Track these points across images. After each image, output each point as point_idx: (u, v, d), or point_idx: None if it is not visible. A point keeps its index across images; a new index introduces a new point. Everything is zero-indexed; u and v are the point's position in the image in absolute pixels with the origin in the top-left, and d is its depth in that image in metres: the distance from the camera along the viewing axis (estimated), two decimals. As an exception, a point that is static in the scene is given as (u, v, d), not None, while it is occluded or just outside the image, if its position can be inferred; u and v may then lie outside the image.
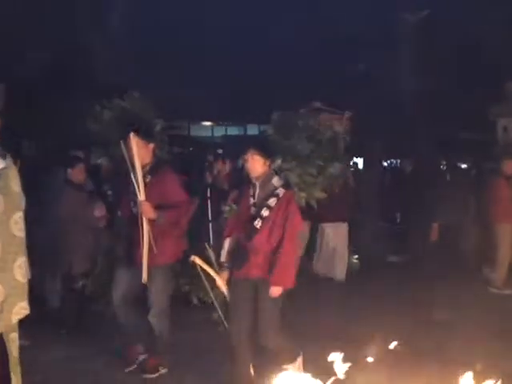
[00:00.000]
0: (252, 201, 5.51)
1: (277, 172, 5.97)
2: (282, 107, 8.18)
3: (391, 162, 21.69)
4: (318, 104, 11.22)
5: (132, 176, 5.62)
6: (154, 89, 16.42)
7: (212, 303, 6.18)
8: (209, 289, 5.97)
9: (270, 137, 7.67)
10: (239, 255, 5.47)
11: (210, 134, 29.48)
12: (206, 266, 5.63)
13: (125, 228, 6.03)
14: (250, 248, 5.39)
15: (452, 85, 17.05)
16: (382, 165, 16.49)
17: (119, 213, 6.33)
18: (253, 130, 29.94)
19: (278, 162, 7.17)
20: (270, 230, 5.36)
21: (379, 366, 5.72)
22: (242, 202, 5.74)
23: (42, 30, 15.04)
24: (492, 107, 12.96)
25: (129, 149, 5.59)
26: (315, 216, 9.76)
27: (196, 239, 8.83)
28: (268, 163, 5.54)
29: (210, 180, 8.93)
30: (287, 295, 5.45)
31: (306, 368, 5.49)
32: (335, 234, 10.18)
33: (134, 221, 5.69)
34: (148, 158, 5.84)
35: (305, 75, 18.80)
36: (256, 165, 5.49)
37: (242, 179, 12.78)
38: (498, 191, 9.50)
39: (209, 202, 8.73)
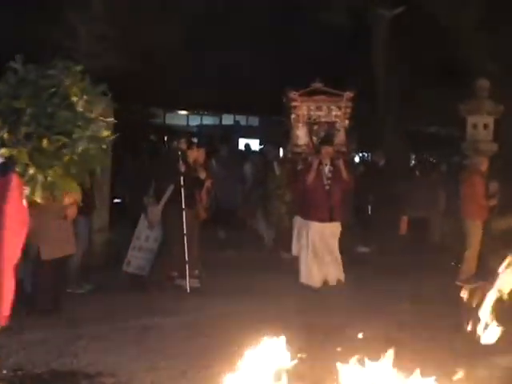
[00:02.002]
0: None
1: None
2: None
3: (363, 155, 21.94)
4: (318, 85, 10.47)
5: None
6: (131, 76, 16.48)
7: None
8: None
9: None
10: None
11: (185, 122, 29.52)
12: None
13: None
14: None
15: (425, 80, 17.27)
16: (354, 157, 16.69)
17: None
18: (228, 119, 30.12)
19: None
20: None
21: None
22: None
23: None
24: (463, 104, 13.12)
25: None
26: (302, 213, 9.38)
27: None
28: None
29: (183, 169, 8.94)
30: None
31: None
32: (331, 234, 9.43)
33: None
34: None
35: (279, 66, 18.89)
36: None
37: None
38: (473, 187, 9.71)
39: (182, 190, 8.81)
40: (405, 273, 9.86)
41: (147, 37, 19.12)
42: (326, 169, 9.34)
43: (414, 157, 18.98)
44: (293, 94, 10.33)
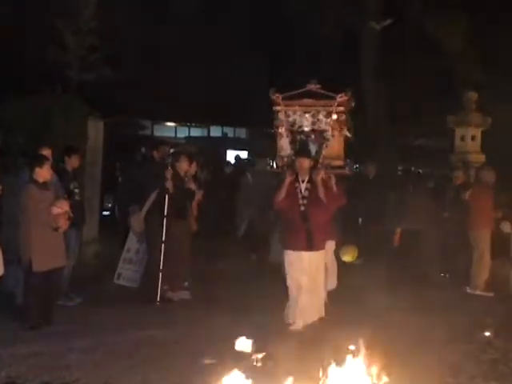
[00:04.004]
0: None
1: None
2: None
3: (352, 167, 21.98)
4: (312, 86, 8.46)
5: None
6: (119, 87, 16.52)
7: None
8: None
9: None
10: None
11: (173, 134, 29.59)
12: None
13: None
14: None
15: (413, 92, 17.40)
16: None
17: None
18: (216, 131, 30.20)
19: None
20: None
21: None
22: None
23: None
24: (451, 116, 13.27)
25: None
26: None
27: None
28: None
29: (169, 177, 8.78)
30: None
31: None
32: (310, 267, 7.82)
33: None
34: None
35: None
36: None
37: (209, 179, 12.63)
38: (479, 199, 9.94)
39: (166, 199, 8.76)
40: (396, 284, 9.88)
41: (137, 49, 19.26)
42: (303, 186, 7.79)
43: (400, 169, 19.06)
44: (275, 97, 8.48)
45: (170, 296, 8.90)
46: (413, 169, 18.04)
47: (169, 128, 30.14)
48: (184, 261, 9.10)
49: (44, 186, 7.42)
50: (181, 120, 29.32)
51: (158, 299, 8.69)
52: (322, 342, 6.25)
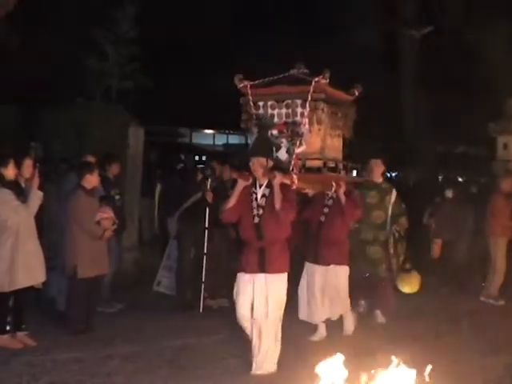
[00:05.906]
0: None
1: None
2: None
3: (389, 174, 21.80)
4: (295, 70, 7.03)
5: None
6: (159, 94, 16.67)
7: None
8: None
9: None
10: None
11: (211, 141, 29.73)
12: None
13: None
14: None
15: (454, 99, 17.24)
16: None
17: None
18: (254, 138, 30.29)
19: None
20: None
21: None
22: None
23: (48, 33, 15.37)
24: (492, 124, 13.11)
25: None
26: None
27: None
28: None
29: (209, 186, 8.80)
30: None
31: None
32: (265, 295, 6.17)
33: None
34: None
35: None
36: None
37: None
38: (496, 206, 9.81)
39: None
40: (432, 293, 9.77)
41: (176, 57, 19.42)
42: (259, 192, 6.23)
43: (441, 177, 18.91)
44: (242, 85, 6.85)
45: (209, 303, 8.92)
46: (458, 178, 17.72)
47: (207, 135, 30.31)
48: (223, 268, 9.10)
49: (91, 192, 7.52)
50: (219, 127, 29.45)
51: (201, 309, 8.70)
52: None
